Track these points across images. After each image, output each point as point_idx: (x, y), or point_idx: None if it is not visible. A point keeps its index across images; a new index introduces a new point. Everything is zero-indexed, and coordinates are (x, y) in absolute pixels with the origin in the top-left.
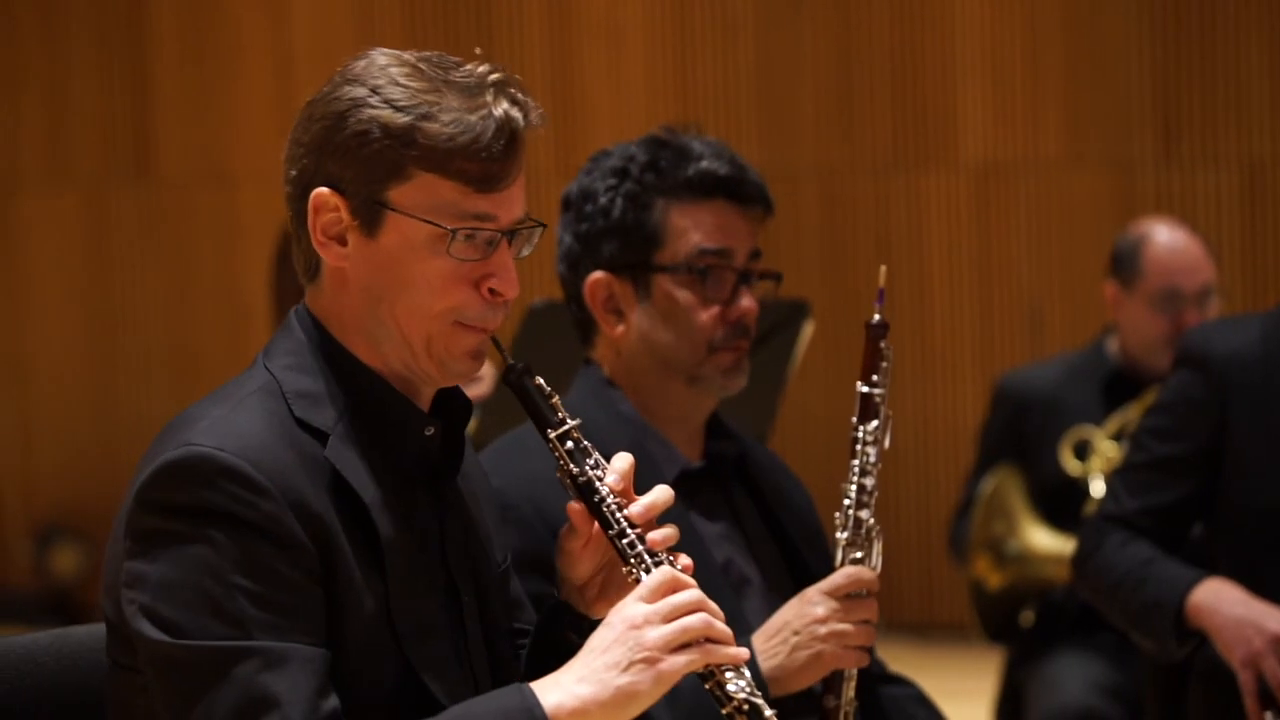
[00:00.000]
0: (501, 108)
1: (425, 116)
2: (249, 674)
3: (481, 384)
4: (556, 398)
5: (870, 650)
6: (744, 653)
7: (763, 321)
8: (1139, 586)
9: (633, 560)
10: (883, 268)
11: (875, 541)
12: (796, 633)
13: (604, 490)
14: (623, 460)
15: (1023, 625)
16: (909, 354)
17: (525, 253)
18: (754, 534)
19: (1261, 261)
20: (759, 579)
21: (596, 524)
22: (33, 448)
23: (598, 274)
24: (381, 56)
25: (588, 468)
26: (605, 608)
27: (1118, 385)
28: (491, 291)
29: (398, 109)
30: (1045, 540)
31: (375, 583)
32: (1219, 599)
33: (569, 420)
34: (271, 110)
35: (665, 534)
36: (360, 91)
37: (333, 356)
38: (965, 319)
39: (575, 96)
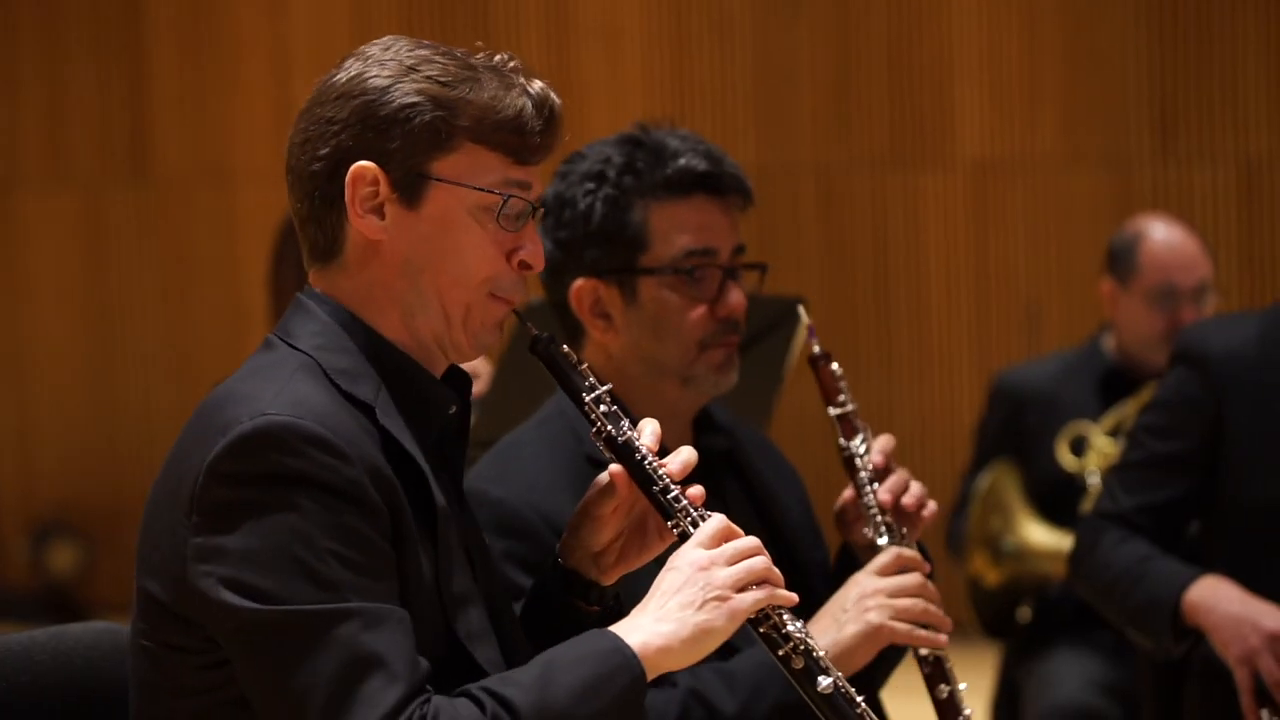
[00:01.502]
0: (535, 85)
1: (471, 90)
2: (351, 635)
3: (479, 381)
4: (586, 364)
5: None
6: (795, 596)
7: (759, 319)
8: (1135, 584)
9: (678, 513)
10: (800, 308)
11: (912, 535)
12: (845, 610)
13: (644, 449)
14: (651, 423)
15: (1020, 622)
16: (906, 351)
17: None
18: (746, 529)
19: (1258, 259)
20: None
21: (634, 486)
22: (30, 445)
23: (582, 280)
24: (399, 41)
25: (625, 427)
26: (620, 572)
27: (1114, 382)
28: (521, 264)
29: (442, 83)
30: (1042, 535)
31: (429, 550)
32: (1215, 596)
33: (599, 385)
34: (269, 109)
35: (698, 490)
36: (396, 69)
37: (360, 334)
38: (962, 316)
39: (572, 96)
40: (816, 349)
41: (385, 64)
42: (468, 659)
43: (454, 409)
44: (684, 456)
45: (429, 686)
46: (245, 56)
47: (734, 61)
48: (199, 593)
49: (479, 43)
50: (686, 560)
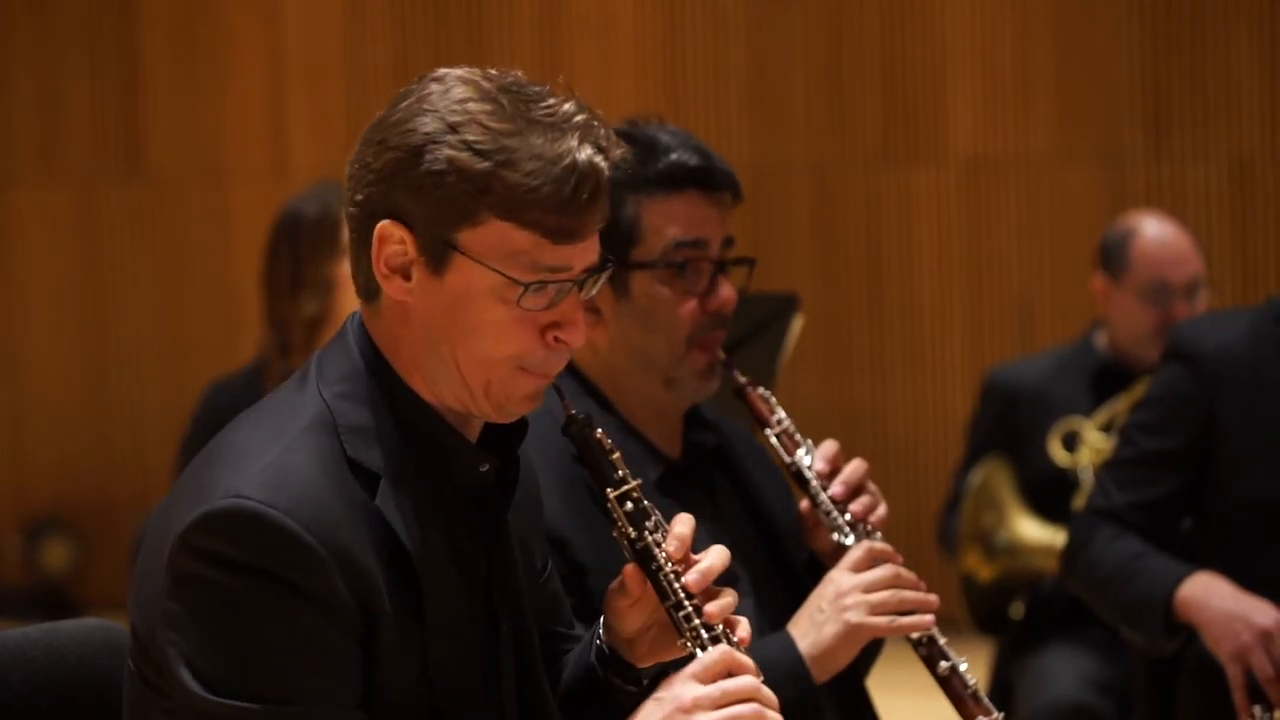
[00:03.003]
0: (585, 153)
1: (505, 164)
2: None
3: None
4: (618, 454)
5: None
6: None
7: (753, 315)
8: (1128, 581)
9: (688, 633)
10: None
11: (876, 533)
12: (822, 610)
13: (661, 558)
14: (684, 525)
15: (1013, 618)
16: (898, 347)
17: (592, 293)
18: (736, 527)
19: (1251, 255)
20: (744, 574)
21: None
22: (23, 442)
23: None
24: (459, 87)
25: (646, 531)
26: (654, 659)
27: (1107, 379)
28: (556, 339)
29: (476, 152)
30: (1035, 531)
31: (414, 637)
32: (1208, 593)
33: (629, 479)
34: (263, 106)
35: (724, 604)
36: (437, 125)
37: (386, 384)
38: (955, 313)
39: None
40: (741, 378)
41: (431, 114)
42: None
43: (486, 467)
44: (708, 563)
45: None
46: (238, 53)
47: (727, 57)
48: (165, 657)
49: (561, 78)
50: (671, 694)
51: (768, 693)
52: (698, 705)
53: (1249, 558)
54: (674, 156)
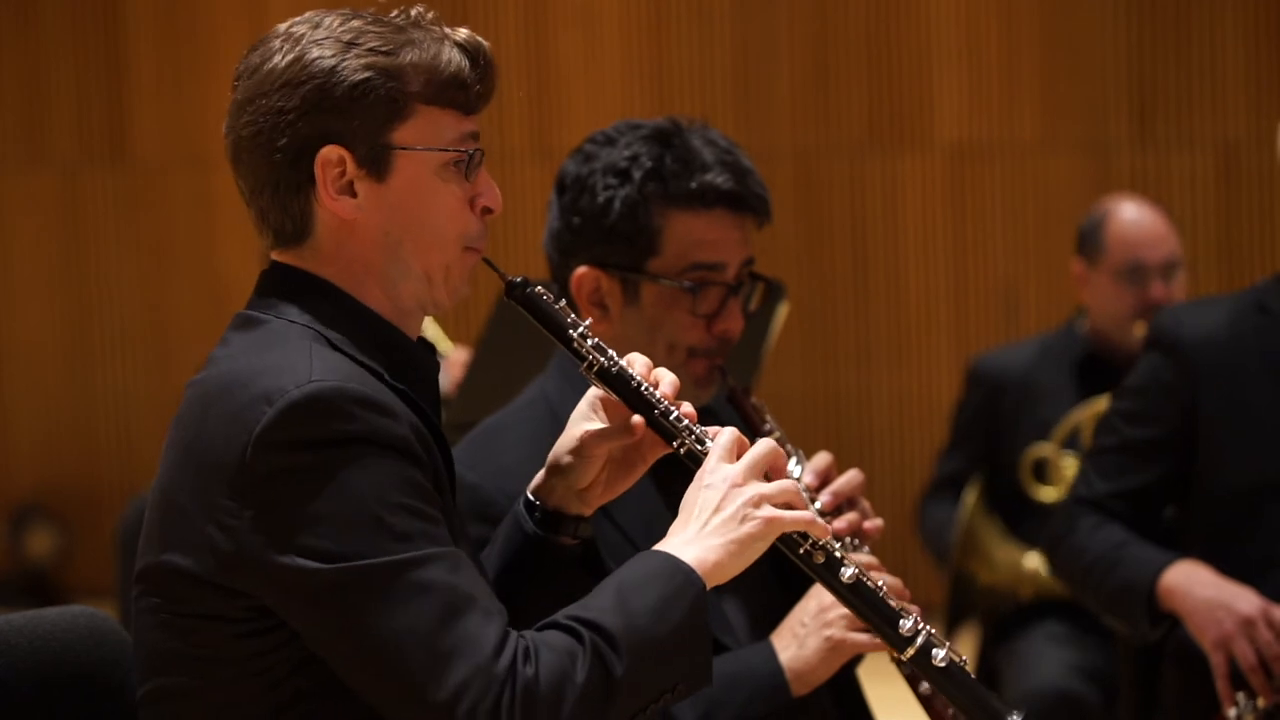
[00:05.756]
0: (461, 34)
1: (413, 54)
2: (438, 579)
3: (451, 369)
4: (563, 302)
5: None
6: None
7: None
8: (1111, 569)
9: (682, 432)
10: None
11: (864, 546)
12: (804, 625)
13: (638, 377)
14: (639, 355)
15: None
16: (884, 335)
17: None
18: None
19: (1236, 243)
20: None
21: (627, 415)
22: (8, 429)
23: (586, 268)
24: (327, 17)
25: (614, 359)
26: (608, 496)
27: (1090, 365)
28: (484, 210)
29: (385, 54)
30: (1020, 564)
31: (450, 507)
32: (1190, 581)
33: (580, 321)
34: None
35: (690, 409)
36: (335, 47)
37: (340, 306)
38: (941, 300)
39: (551, 80)
40: (733, 385)
41: (323, 43)
42: None
43: (439, 365)
44: (670, 378)
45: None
46: (223, 40)
47: (713, 46)
48: (260, 563)
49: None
50: (720, 477)
51: (780, 450)
52: (745, 477)
53: (1231, 545)
54: (709, 177)
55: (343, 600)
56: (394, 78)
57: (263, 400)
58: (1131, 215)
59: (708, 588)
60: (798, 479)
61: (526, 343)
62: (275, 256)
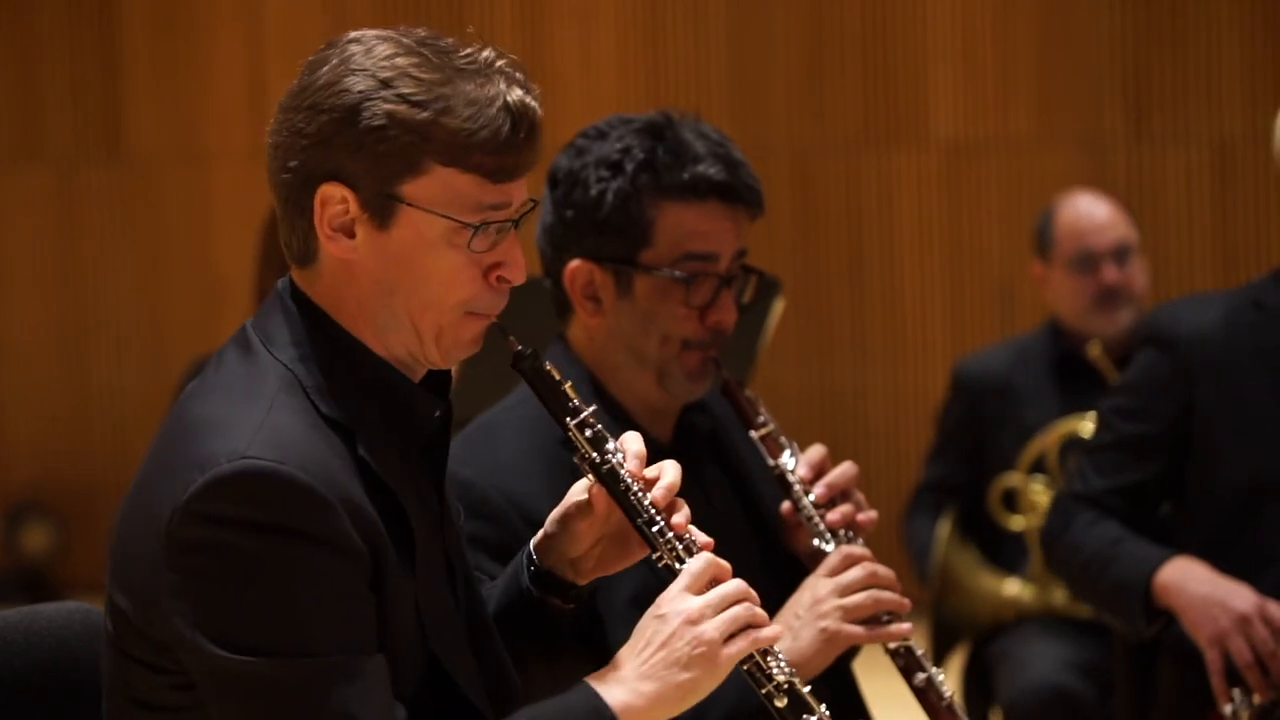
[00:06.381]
0: (515, 94)
1: (443, 112)
2: (324, 691)
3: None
4: (569, 383)
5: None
6: (779, 630)
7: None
8: (1107, 566)
9: (663, 546)
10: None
11: (858, 538)
12: (799, 617)
13: (628, 479)
14: (635, 441)
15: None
16: (879, 332)
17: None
18: (725, 516)
19: (1231, 239)
20: (732, 564)
21: (614, 505)
22: (3, 425)
23: (579, 261)
24: (380, 44)
25: (609, 454)
26: (600, 573)
27: (1068, 365)
28: (499, 279)
29: (413, 104)
30: (999, 591)
31: (408, 581)
32: (1186, 577)
33: (584, 407)
34: (243, 88)
35: (685, 514)
36: (369, 84)
37: (337, 342)
38: (936, 297)
39: (546, 76)
40: (727, 379)
41: (360, 73)
42: (447, 681)
43: (439, 412)
44: (668, 479)
45: None
46: (219, 34)
47: (708, 42)
48: (174, 629)
49: (470, 28)
50: (674, 610)
51: (751, 590)
52: (703, 615)
53: (1227, 542)
54: (701, 169)
55: (231, 690)
56: (413, 131)
57: (197, 466)
58: (1076, 206)
59: None
60: (792, 470)
61: (520, 339)
62: (293, 273)
